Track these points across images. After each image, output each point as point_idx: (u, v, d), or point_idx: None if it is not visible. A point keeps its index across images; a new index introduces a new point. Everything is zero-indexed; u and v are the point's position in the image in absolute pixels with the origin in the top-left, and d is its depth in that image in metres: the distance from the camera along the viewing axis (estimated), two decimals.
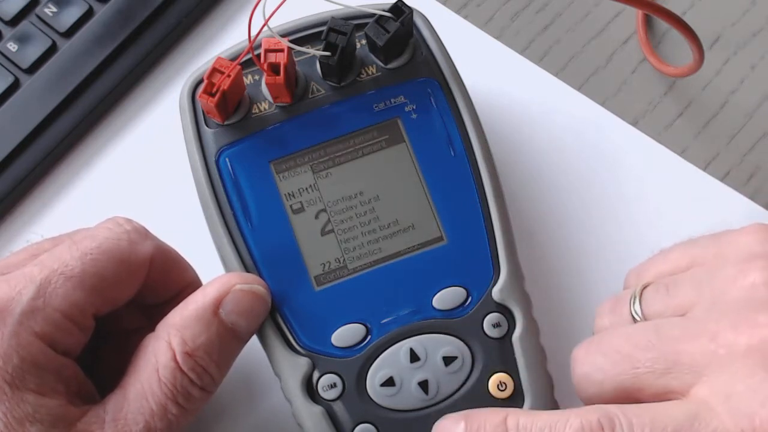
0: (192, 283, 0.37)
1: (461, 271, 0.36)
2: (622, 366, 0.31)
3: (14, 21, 0.45)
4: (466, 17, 0.47)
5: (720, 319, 0.30)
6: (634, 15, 0.47)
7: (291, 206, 0.36)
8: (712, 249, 0.33)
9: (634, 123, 0.44)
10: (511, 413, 0.31)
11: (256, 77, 0.38)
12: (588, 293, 0.41)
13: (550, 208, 0.43)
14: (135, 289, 0.35)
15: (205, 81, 0.35)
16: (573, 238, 0.42)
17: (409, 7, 0.37)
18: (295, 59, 0.38)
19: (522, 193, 0.43)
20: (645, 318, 0.33)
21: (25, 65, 0.44)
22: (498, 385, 0.35)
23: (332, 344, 0.35)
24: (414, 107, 0.38)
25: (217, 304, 0.33)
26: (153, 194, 0.43)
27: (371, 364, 0.35)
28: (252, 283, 0.34)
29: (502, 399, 0.34)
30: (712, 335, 0.30)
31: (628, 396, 0.31)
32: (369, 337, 0.35)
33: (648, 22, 0.46)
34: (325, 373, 0.35)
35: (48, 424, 0.31)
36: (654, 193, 0.43)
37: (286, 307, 0.35)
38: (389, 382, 0.35)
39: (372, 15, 0.36)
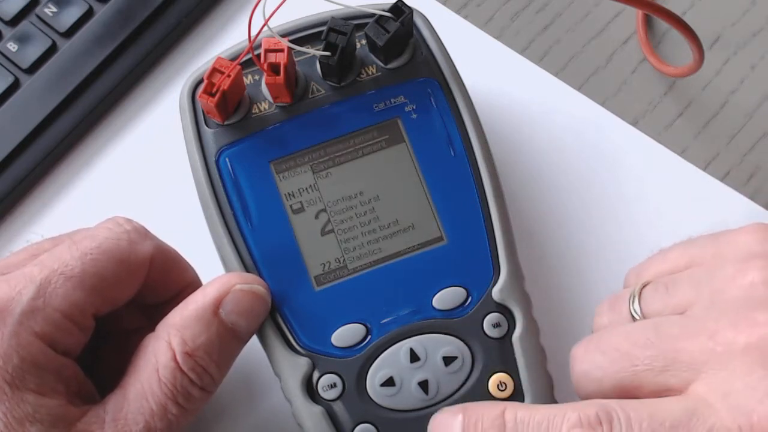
0: (192, 283, 0.37)
1: (461, 271, 0.36)
2: (621, 364, 0.31)
3: (14, 21, 0.45)
4: (466, 17, 0.47)
5: (719, 317, 0.30)
6: (634, 15, 0.47)
7: (291, 206, 0.36)
8: (711, 249, 0.33)
9: (634, 123, 0.44)
10: (509, 406, 0.31)
11: (256, 77, 0.38)
12: (588, 293, 0.41)
13: (550, 208, 0.43)
14: (135, 289, 0.35)
15: (205, 81, 0.35)
16: (573, 238, 0.42)
17: (409, 7, 0.37)
18: (295, 59, 0.38)
19: (522, 193, 0.43)
20: (644, 317, 0.33)
21: (25, 65, 0.44)
22: (498, 385, 0.35)
23: (332, 344, 0.35)
24: (414, 107, 0.38)
25: (217, 304, 0.33)
26: (153, 194, 0.43)
27: (371, 364, 0.35)
28: (252, 283, 0.34)
29: (502, 399, 0.35)
30: (711, 333, 0.30)
31: (627, 393, 0.31)
32: (369, 337, 0.35)
33: (648, 22, 0.46)
34: (325, 373, 0.35)
35: (48, 424, 0.31)
36: (654, 193, 0.43)
37: (286, 307, 0.35)
38: (389, 382, 0.35)
39: (372, 15, 0.36)
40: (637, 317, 0.33)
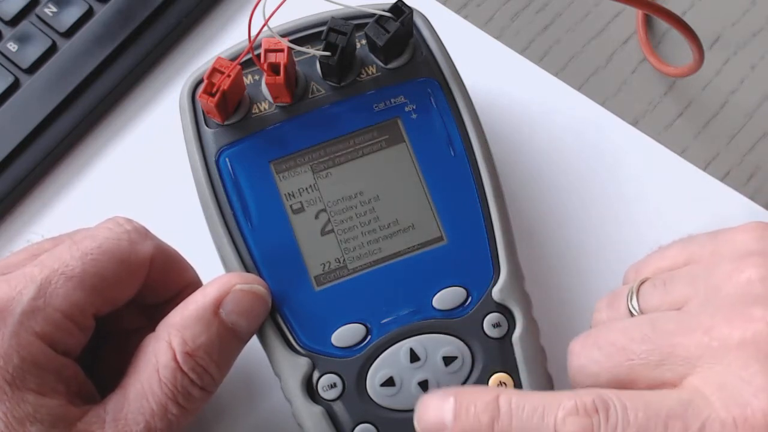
0: (192, 283, 0.37)
1: (461, 271, 0.36)
2: (617, 358, 0.31)
3: (14, 21, 0.45)
4: (466, 17, 0.47)
5: (715, 313, 0.30)
6: (634, 15, 0.47)
7: (291, 206, 0.36)
8: (709, 246, 0.33)
9: (634, 123, 0.44)
10: (504, 392, 0.30)
11: (256, 77, 0.38)
12: (588, 293, 0.41)
13: (550, 208, 0.43)
14: (135, 289, 0.35)
15: (205, 81, 0.35)
16: (573, 238, 0.42)
17: (409, 7, 0.37)
18: (295, 59, 0.38)
19: (522, 193, 0.43)
20: (642, 312, 0.33)
21: (25, 65, 0.44)
22: (498, 385, 0.35)
23: (332, 344, 0.35)
24: (414, 107, 0.38)
25: (217, 304, 0.34)
26: (153, 194, 0.43)
27: (371, 364, 0.35)
28: (252, 283, 0.34)
29: None
30: (707, 329, 0.30)
31: (623, 387, 0.31)
32: (369, 337, 0.35)
33: (648, 22, 0.46)
34: (325, 373, 0.35)
35: (48, 424, 0.31)
36: (654, 193, 0.43)
37: (286, 307, 0.35)
38: (389, 382, 0.35)
39: (372, 15, 0.36)
40: (635, 313, 0.33)
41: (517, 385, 0.35)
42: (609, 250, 0.42)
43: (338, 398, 0.35)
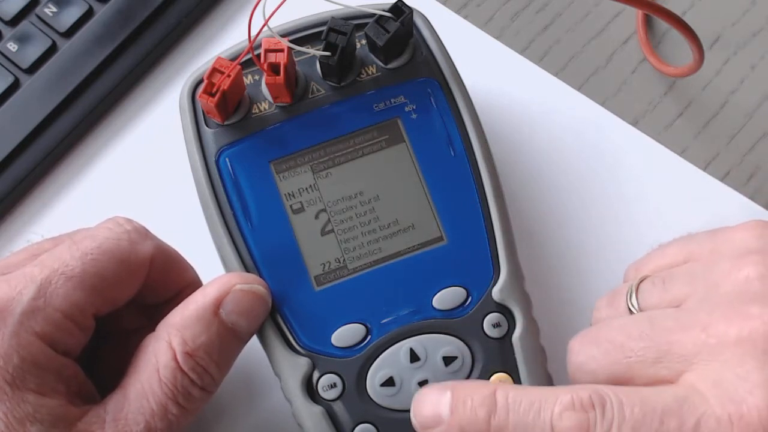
0: (192, 283, 0.37)
1: (461, 271, 0.36)
2: (615, 356, 0.31)
3: (14, 21, 0.45)
4: (466, 17, 0.47)
5: (713, 311, 0.30)
6: (634, 15, 0.47)
7: (291, 206, 0.36)
8: (709, 244, 0.33)
9: (634, 123, 0.44)
10: (501, 387, 0.31)
11: (256, 77, 0.38)
12: (588, 293, 0.41)
13: (550, 208, 0.43)
14: (135, 289, 0.35)
15: (205, 81, 0.35)
16: (573, 238, 0.42)
17: (409, 7, 0.37)
18: (295, 59, 0.38)
19: (522, 193, 0.43)
20: (641, 310, 0.33)
21: (25, 65, 0.44)
22: None
23: (332, 344, 0.35)
24: (414, 107, 0.38)
25: (217, 304, 0.34)
26: (153, 194, 0.43)
27: (371, 364, 0.35)
28: (252, 283, 0.34)
29: None
30: (704, 326, 0.30)
31: (621, 385, 0.31)
32: (369, 337, 0.35)
33: (648, 22, 0.46)
34: (325, 373, 0.35)
35: (48, 424, 0.31)
36: (654, 193, 0.43)
37: (286, 307, 0.35)
38: (389, 382, 0.35)
39: (372, 15, 0.36)
40: (634, 311, 0.33)
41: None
42: (609, 250, 0.42)
43: (338, 398, 0.35)
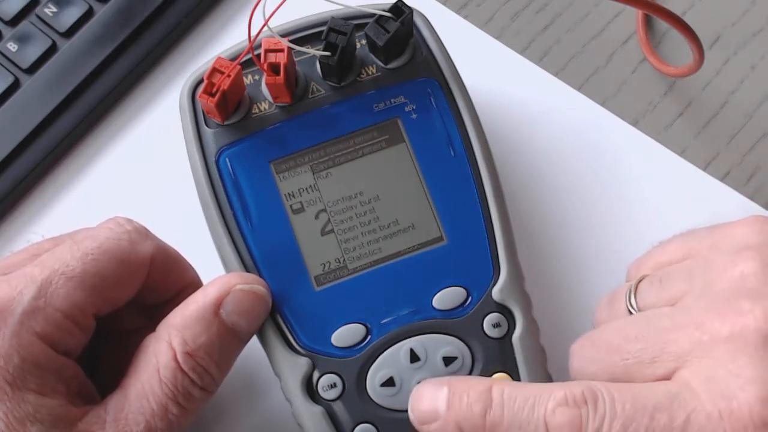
0: (192, 283, 0.37)
1: (461, 271, 0.36)
2: (612, 358, 0.31)
3: (14, 21, 0.45)
4: (466, 17, 0.47)
5: (707, 308, 0.30)
6: (634, 15, 0.47)
7: (291, 206, 0.36)
8: (708, 240, 0.34)
9: (634, 123, 0.44)
10: (497, 383, 0.31)
11: (256, 77, 0.38)
12: (588, 293, 0.41)
13: (550, 208, 0.43)
14: (135, 289, 0.35)
15: (205, 81, 0.35)
16: (573, 238, 0.42)
17: (409, 7, 0.37)
18: (295, 59, 0.38)
19: (522, 193, 0.43)
20: (640, 310, 0.33)
21: (25, 65, 0.44)
22: None
23: (332, 344, 0.35)
24: (414, 107, 0.38)
25: (217, 305, 0.34)
26: (153, 194, 0.43)
27: (371, 364, 0.35)
28: (252, 284, 0.34)
29: None
30: (698, 324, 0.30)
31: None
32: (369, 337, 0.35)
33: (648, 22, 0.46)
34: (325, 373, 0.35)
35: (49, 424, 0.31)
36: (654, 193, 0.43)
37: (286, 307, 0.35)
38: (389, 383, 0.35)
39: (372, 15, 0.36)
40: (633, 311, 0.34)
41: None
42: (609, 250, 0.42)
43: (338, 398, 0.35)
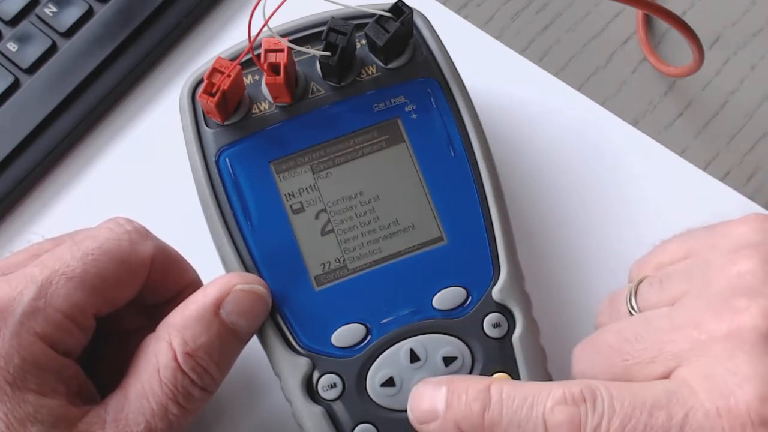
0: (192, 283, 0.37)
1: (461, 271, 0.36)
2: (613, 360, 0.32)
3: (14, 21, 0.45)
4: (466, 17, 0.47)
5: (705, 307, 0.30)
6: (634, 15, 0.47)
7: (291, 206, 0.36)
8: (707, 240, 0.34)
9: (634, 123, 0.44)
10: (495, 382, 0.31)
11: (256, 77, 0.38)
12: (588, 293, 0.41)
13: (550, 208, 0.43)
14: (136, 289, 0.35)
15: (205, 81, 0.35)
16: (573, 238, 0.42)
17: (409, 7, 0.37)
18: (295, 59, 0.38)
19: (522, 193, 0.43)
20: (640, 311, 0.33)
21: (25, 65, 0.44)
22: None
23: (332, 344, 0.35)
24: (414, 107, 0.38)
25: (217, 305, 0.34)
26: (153, 194, 0.43)
27: (371, 364, 0.35)
28: (253, 284, 0.34)
29: None
30: (696, 324, 0.30)
31: None
32: (369, 337, 0.35)
33: (648, 22, 0.46)
34: (325, 373, 0.35)
35: (49, 425, 0.31)
36: (654, 193, 0.43)
37: (286, 307, 0.35)
38: (389, 383, 0.35)
39: (372, 15, 0.36)
40: (634, 313, 0.34)
41: None
42: (609, 250, 0.42)
43: (338, 398, 0.35)
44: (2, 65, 0.44)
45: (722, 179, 0.43)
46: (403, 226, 0.36)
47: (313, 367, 0.35)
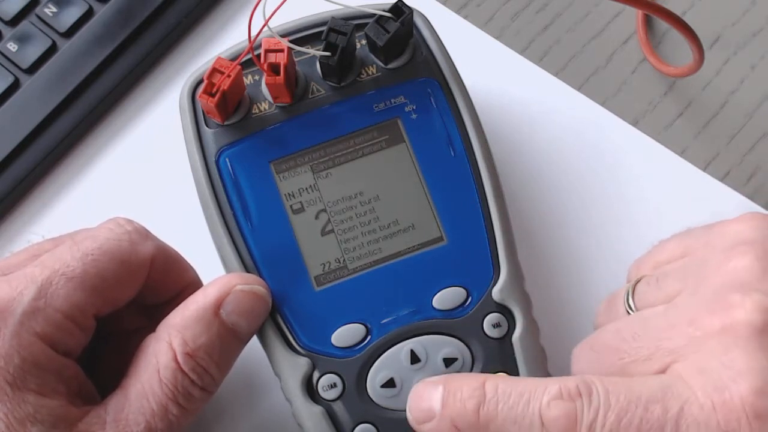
0: (192, 284, 0.37)
1: (461, 271, 0.36)
2: (610, 359, 0.32)
3: (14, 21, 0.45)
4: (466, 17, 0.47)
5: (700, 304, 0.31)
6: (634, 15, 0.47)
7: (291, 206, 0.36)
8: (704, 239, 0.34)
9: (634, 123, 0.44)
10: (490, 378, 0.31)
11: (256, 77, 0.38)
12: (588, 293, 0.41)
13: (550, 208, 0.43)
14: (136, 289, 0.35)
15: (205, 81, 0.35)
16: (573, 238, 0.42)
17: (409, 7, 0.37)
18: (295, 59, 0.38)
19: (522, 193, 0.43)
20: (638, 311, 0.34)
21: (25, 65, 0.44)
22: None
23: (332, 344, 0.35)
24: (414, 107, 0.38)
25: (218, 305, 0.34)
26: (153, 194, 0.43)
27: (371, 365, 0.35)
28: (253, 284, 0.34)
29: None
30: (691, 320, 0.30)
31: None
32: (369, 337, 0.35)
33: (648, 22, 0.46)
34: (325, 373, 0.35)
35: (49, 425, 0.31)
36: (654, 193, 0.43)
37: (286, 307, 0.35)
38: (390, 383, 0.35)
39: (372, 15, 0.36)
40: (631, 312, 0.34)
41: None
42: (609, 250, 0.42)
43: (338, 398, 0.35)
44: (2, 65, 0.44)
45: (722, 179, 0.43)
46: (403, 226, 0.36)
47: (313, 367, 0.35)
